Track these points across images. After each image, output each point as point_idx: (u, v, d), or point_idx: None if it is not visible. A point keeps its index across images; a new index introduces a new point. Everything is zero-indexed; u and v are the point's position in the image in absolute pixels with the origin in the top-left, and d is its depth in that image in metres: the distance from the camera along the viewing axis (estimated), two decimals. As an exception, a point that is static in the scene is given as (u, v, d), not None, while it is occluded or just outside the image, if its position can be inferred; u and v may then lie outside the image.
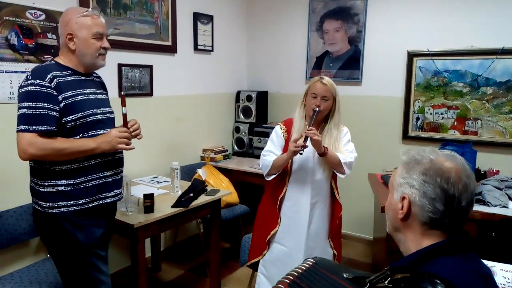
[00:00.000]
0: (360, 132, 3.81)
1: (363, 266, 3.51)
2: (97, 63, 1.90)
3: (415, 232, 1.02)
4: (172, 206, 2.49)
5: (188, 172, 3.60)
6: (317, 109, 2.14)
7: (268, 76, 4.39)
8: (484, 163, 3.13)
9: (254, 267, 2.46)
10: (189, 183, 2.94)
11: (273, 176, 2.29)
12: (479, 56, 3.23)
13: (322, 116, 2.21)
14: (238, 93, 4.31)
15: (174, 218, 2.50)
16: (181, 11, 3.54)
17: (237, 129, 4.28)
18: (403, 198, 1.02)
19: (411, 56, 3.50)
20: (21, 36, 2.44)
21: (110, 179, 1.92)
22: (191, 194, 2.61)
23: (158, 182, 3.06)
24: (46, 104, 1.70)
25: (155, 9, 3.28)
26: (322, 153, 2.12)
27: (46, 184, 1.79)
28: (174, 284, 3.18)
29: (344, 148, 2.24)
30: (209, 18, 3.87)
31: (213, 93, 4.06)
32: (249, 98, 4.20)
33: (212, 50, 3.95)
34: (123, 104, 1.92)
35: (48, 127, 1.71)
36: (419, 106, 3.53)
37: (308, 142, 2.10)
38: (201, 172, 3.35)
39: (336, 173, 2.24)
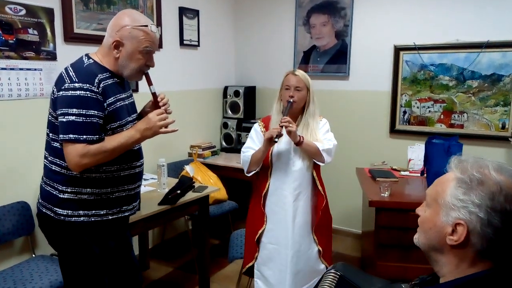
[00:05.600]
0: (347, 126, 3.82)
1: (353, 260, 3.52)
2: (134, 78, 1.80)
3: (464, 259, 0.90)
4: (159, 204, 2.46)
5: (175, 169, 3.57)
6: (291, 100, 2.17)
7: (256, 71, 4.36)
8: (470, 155, 3.15)
9: (250, 273, 2.41)
10: (176, 180, 2.91)
11: (253, 172, 2.29)
12: (465, 50, 3.25)
13: (298, 108, 2.23)
14: (226, 88, 4.27)
15: (161, 216, 2.48)
16: (166, 5, 3.49)
17: (225, 125, 4.25)
18: (458, 223, 0.88)
19: (397, 50, 3.51)
20: (0, 32, 2.37)
21: (132, 192, 1.86)
22: (178, 191, 2.57)
23: (144, 179, 3.01)
24: (96, 111, 1.60)
25: (139, 3, 3.22)
26: (298, 142, 2.12)
27: (69, 190, 1.68)
28: (162, 282, 3.16)
29: (323, 137, 2.24)
30: (195, 13, 3.82)
31: (200, 89, 4.02)
32: (236, 93, 4.17)
33: (198, 45, 3.91)
34: (150, 82, 1.82)
35: (99, 136, 1.62)
36: (406, 100, 3.55)
37: (284, 132, 2.12)
38: (189, 169, 3.32)
39: (316, 162, 2.23)
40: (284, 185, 2.26)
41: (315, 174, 2.30)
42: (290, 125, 2.06)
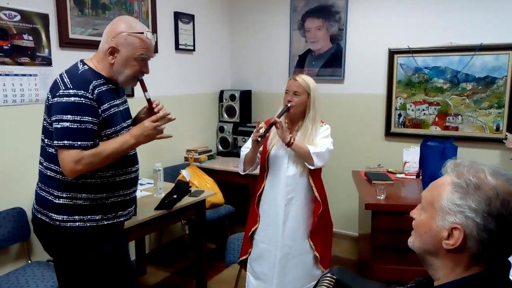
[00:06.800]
0: (343, 130, 3.83)
1: (350, 263, 3.52)
2: (129, 84, 1.82)
3: (459, 263, 0.91)
4: (155, 208, 2.46)
5: (171, 173, 3.57)
6: (288, 104, 2.21)
7: (251, 75, 4.37)
8: (466, 158, 3.16)
9: (243, 264, 2.48)
10: (172, 185, 2.90)
11: (248, 171, 2.37)
12: (458, 53, 3.28)
13: (297, 113, 2.26)
14: (221, 92, 4.28)
15: (157, 221, 2.47)
16: (161, 10, 3.50)
17: (221, 129, 4.25)
18: (454, 228, 0.88)
19: (392, 53, 3.53)
20: (-5, 38, 2.37)
21: (128, 197, 1.86)
22: (175, 196, 2.57)
23: (140, 184, 3.01)
24: (90, 118, 1.61)
25: (134, 8, 3.23)
26: (288, 143, 2.14)
27: (64, 196, 1.68)
28: (159, 287, 3.14)
29: (319, 141, 2.25)
30: (190, 17, 3.83)
31: (196, 93, 4.03)
32: (232, 97, 4.18)
33: (194, 50, 3.92)
34: (145, 89, 1.82)
35: (93, 142, 1.63)
36: (401, 103, 3.56)
37: (276, 134, 2.20)
38: (185, 173, 3.32)
39: (307, 165, 2.22)
40: (277, 189, 2.29)
41: (311, 181, 2.30)
42: (277, 124, 2.11)
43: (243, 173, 2.38)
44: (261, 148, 2.30)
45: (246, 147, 2.33)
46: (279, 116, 2.17)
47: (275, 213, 2.30)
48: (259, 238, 2.36)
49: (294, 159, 2.26)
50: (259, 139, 2.11)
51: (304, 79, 2.25)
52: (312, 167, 2.21)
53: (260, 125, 2.15)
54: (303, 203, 2.30)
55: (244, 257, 2.44)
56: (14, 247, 2.56)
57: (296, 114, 2.27)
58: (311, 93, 2.24)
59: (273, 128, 2.19)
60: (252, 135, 2.24)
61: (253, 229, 2.37)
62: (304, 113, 2.28)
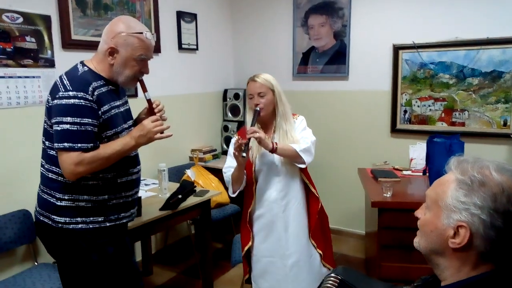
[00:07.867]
0: (348, 127, 3.81)
1: (357, 261, 3.50)
2: (128, 85, 1.81)
3: (466, 262, 0.89)
4: (161, 209, 2.45)
5: (176, 173, 3.56)
6: (257, 108, 2.09)
7: (255, 73, 4.34)
8: (472, 154, 3.12)
9: (250, 282, 2.41)
10: (178, 185, 2.90)
11: (239, 191, 2.21)
12: (464, 47, 3.23)
13: (268, 113, 2.15)
14: (225, 91, 4.27)
15: (163, 221, 2.46)
16: (164, 10, 3.50)
17: (225, 128, 4.24)
18: (460, 226, 0.86)
19: (396, 49, 3.49)
20: (-2, 40, 2.38)
21: (130, 199, 1.85)
22: (180, 196, 2.56)
23: (145, 184, 3.01)
24: (90, 120, 1.60)
25: (136, 8, 3.22)
26: (272, 149, 2.02)
27: (66, 197, 1.68)
28: (166, 287, 3.14)
29: (300, 136, 2.15)
30: (193, 17, 3.82)
31: (199, 92, 4.02)
32: (236, 96, 4.16)
33: (197, 49, 3.91)
34: (145, 89, 1.82)
35: (94, 144, 1.62)
36: (406, 99, 3.53)
37: (255, 145, 2.07)
38: (190, 173, 3.31)
39: (297, 165, 2.13)
40: (271, 197, 2.19)
41: (305, 179, 2.24)
42: (257, 134, 1.97)
43: (234, 195, 2.22)
44: None
45: (229, 168, 2.18)
46: (252, 124, 2.05)
47: (273, 223, 2.20)
48: (260, 253, 2.25)
49: (282, 162, 2.16)
50: (243, 154, 1.95)
51: (264, 77, 2.14)
52: (303, 166, 2.13)
53: (239, 141, 1.97)
54: (301, 204, 2.24)
55: (246, 277, 2.36)
56: (21, 249, 2.57)
57: (268, 115, 2.15)
58: (275, 89, 2.14)
59: (251, 138, 2.05)
60: (231, 152, 2.11)
61: (246, 248, 2.26)
62: (275, 112, 2.17)
